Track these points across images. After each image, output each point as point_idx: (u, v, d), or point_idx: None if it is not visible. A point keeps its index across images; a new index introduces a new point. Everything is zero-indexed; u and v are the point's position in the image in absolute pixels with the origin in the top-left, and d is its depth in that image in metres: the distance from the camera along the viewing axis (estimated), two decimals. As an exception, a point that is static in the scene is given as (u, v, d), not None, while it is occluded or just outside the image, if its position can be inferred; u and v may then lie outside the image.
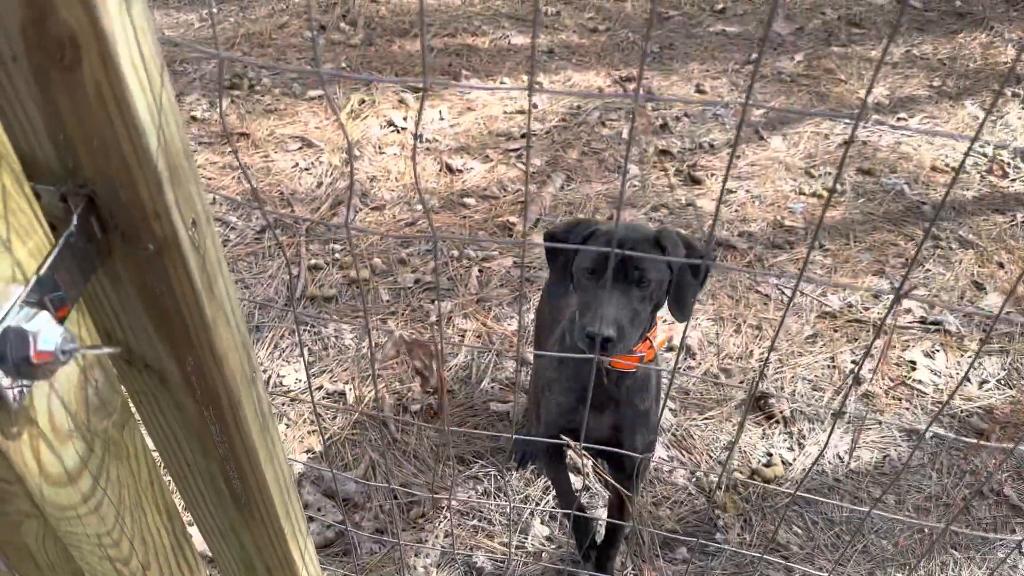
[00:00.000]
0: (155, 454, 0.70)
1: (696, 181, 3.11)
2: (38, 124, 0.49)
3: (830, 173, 3.15)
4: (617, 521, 1.70)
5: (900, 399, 2.23)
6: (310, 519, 1.88)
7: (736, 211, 2.95)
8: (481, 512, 1.92)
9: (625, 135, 3.39)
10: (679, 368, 2.27)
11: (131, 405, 0.67)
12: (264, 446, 0.76)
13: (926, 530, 1.94)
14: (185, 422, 0.72)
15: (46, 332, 0.47)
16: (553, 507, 1.94)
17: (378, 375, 2.19)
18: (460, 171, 3.11)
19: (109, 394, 0.60)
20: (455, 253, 2.64)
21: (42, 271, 0.49)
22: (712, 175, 3.16)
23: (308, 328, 2.35)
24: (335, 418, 2.09)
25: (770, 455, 2.08)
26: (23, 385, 0.47)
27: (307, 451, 2.04)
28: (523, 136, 3.39)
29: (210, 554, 0.93)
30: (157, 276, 0.58)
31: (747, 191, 3.06)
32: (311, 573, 0.99)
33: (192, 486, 0.80)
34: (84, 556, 0.59)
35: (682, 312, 1.40)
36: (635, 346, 1.41)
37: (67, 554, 0.58)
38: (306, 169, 3.09)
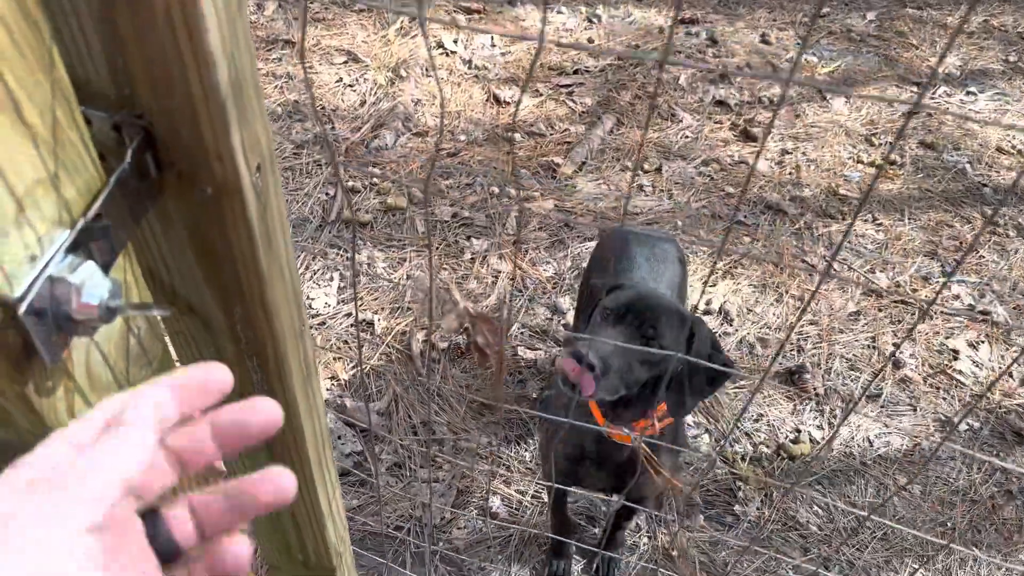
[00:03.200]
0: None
1: (751, 138, 2.99)
2: (95, 46, 0.43)
3: (891, 143, 3.02)
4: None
5: (939, 388, 2.17)
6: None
7: (790, 174, 2.84)
8: (500, 458, 1.90)
9: (683, 82, 3.25)
10: (714, 332, 2.21)
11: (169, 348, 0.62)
12: (305, 399, 0.72)
13: (948, 524, 1.90)
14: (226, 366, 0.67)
15: (92, 284, 0.42)
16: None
17: (407, 308, 2.16)
18: (508, 103, 3.00)
19: (151, 343, 0.55)
20: (495, 190, 2.57)
21: (90, 213, 0.43)
22: (769, 133, 3.03)
23: (340, 252, 2.30)
24: (362, 347, 2.06)
25: (799, 431, 2.03)
26: (63, 341, 0.42)
27: (331, 377, 2.02)
28: (576, 72, 3.26)
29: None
30: (213, 222, 0.53)
31: (804, 154, 2.94)
32: (338, 524, 0.96)
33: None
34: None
35: (678, 407, 1.33)
36: (634, 421, 1.36)
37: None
38: (350, 86, 3.00)
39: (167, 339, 0.66)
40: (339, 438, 1.89)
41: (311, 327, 2.09)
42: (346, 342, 2.08)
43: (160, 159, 0.49)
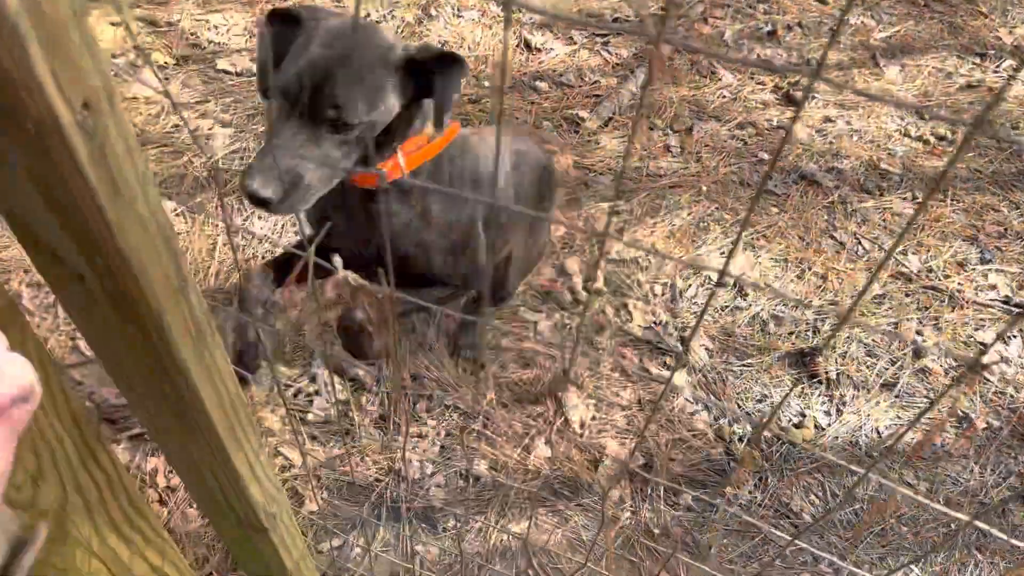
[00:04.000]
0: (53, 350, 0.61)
1: (793, 102, 2.83)
2: None
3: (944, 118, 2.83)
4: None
5: (961, 382, 2.05)
6: (315, 393, 1.84)
7: (830, 143, 2.69)
8: (486, 419, 1.85)
9: (728, 38, 3.08)
10: (726, 306, 2.12)
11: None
12: (199, 362, 0.66)
13: (952, 526, 1.81)
14: (108, 326, 0.62)
15: None
16: (559, 427, 1.86)
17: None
18: (539, 50, 2.88)
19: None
20: (515, 140, 2.47)
21: None
22: (813, 99, 2.87)
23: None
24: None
25: (804, 415, 1.94)
26: None
27: (324, 323, 1.98)
28: (615, 21, 3.11)
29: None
30: (45, 164, 0.46)
31: (847, 122, 2.77)
32: (265, 487, 0.92)
33: (132, 388, 0.72)
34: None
35: (439, 119, 1.13)
36: (381, 164, 1.20)
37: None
38: (378, 22, 2.90)
39: (54, 297, 0.61)
40: (325, 385, 1.85)
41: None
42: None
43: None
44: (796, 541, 0.69)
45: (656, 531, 1.73)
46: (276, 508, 0.99)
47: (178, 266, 0.59)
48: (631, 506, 1.76)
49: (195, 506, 1.64)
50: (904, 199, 2.52)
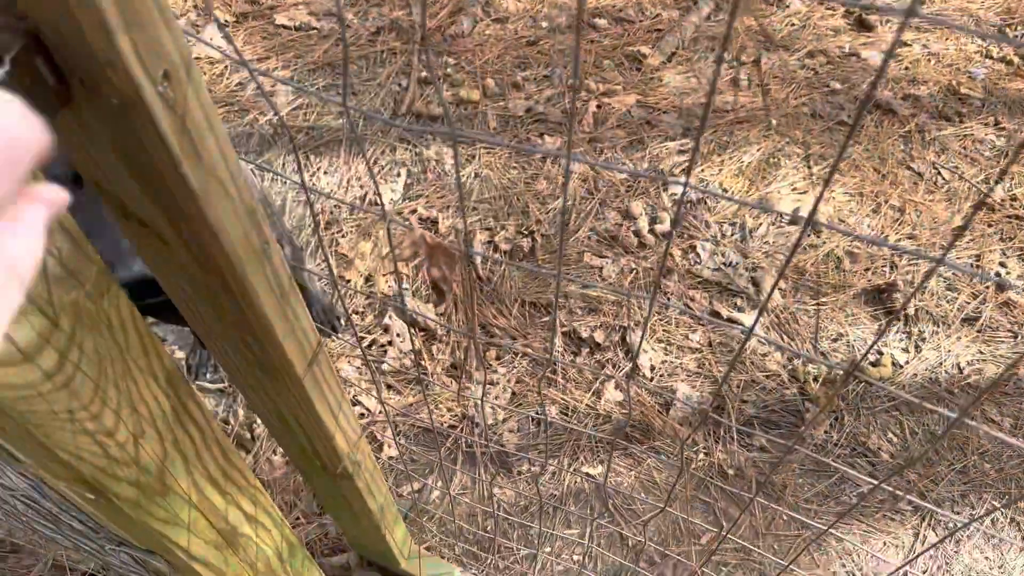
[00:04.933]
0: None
1: (867, 27, 2.69)
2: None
3: (1032, 34, 2.66)
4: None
5: (1049, 315, 1.97)
6: (388, 343, 1.88)
7: (906, 69, 2.56)
8: (556, 364, 1.86)
9: (792, -38, 2.94)
10: (800, 245, 2.06)
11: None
12: (282, 319, 0.69)
13: (1040, 463, 1.76)
14: (193, 285, 0.64)
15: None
16: (627, 373, 1.86)
17: (473, 208, 2.10)
18: (596, -13, 2.80)
19: (78, 262, 0.52)
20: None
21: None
22: (887, 22, 2.72)
23: (409, 147, 2.25)
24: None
25: (881, 354, 1.90)
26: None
27: (393, 272, 2.01)
28: (674, -48, 2.99)
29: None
30: (129, 135, 0.48)
31: (924, 46, 2.63)
32: (348, 436, 0.95)
33: (215, 343, 0.75)
34: (49, 433, 0.54)
35: None
36: None
37: (25, 431, 0.52)
38: (431, -32, 2.85)
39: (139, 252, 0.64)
40: (398, 335, 1.89)
41: (375, 220, 2.07)
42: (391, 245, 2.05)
43: (57, 65, 0.44)
44: (879, 484, 0.68)
45: (730, 472, 1.73)
46: (359, 456, 1.02)
47: (259, 228, 0.61)
48: (704, 447, 1.76)
49: (280, 453, 1.71)
50: (986, 125, 2.39)
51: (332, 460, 0.98)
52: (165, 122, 0.47)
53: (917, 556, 0.87)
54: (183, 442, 0.70)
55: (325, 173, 2.17)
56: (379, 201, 2.02)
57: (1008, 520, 1.69)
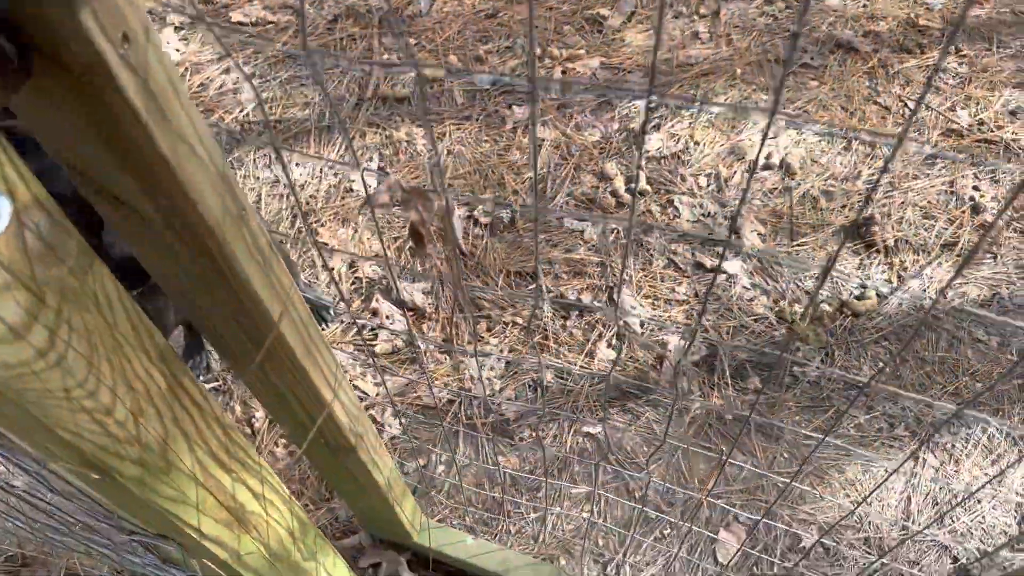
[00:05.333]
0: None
1: (820, -31, 2.70)
2: None
3: (985, -40, 2.67)
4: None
5: (1023, 232, 2.00)
6: (379, 326, 1.89)
7: (864, 6, 2.57)
8: (547, 329, 1.87)
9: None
10: (774, 188, 2.08)
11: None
12: (268, 287, 0.69)
13: (1029, 376, 1.79)
14: (179, 264, 0.64)
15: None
16: (619, 331, 1.87)
17: (449, 184, 2.10)
18: (550, -45, 2.79)
19: (58, 238, 0.52)
20: (536, 51, 2.42)
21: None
22: (840, -38, 2.73)
23: (379, 131, 2.24)
24: (404, 227, 2.04)
25: (864, 287, 1.92)
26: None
27: (375, 255, 2.01)
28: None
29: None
30: (96, 105, 0.48)
31: (880, -18, 2.64)
32: (347, 407, 0.96)
33: (205, 322, 0.75)
34: (47, 412, 0.54)
35: None
36: None
37: (24, 411, 0.53)
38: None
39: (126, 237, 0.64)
40: (388, 317, 1.89)
41: (352, 206, 2.07)
42: (388, 221, 2.05)
43: (20, 40, 0.44)
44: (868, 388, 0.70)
45: (728, 417, 1.75)
46: (361, 428, 1.03)
47: (234, 194, 0.61)
48: (700, 395, 1.78)
49: (283, 444, 1.72)
50: (948, 53, 2.41)
51: (334, 434, 0.98)
52: (129, 85, 0.47)
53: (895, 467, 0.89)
54: (182, 419, 0.71)
55: (297, 165, 2.17)
56: (363, 182, 2.02)
57: (1004, 436, 1.72)
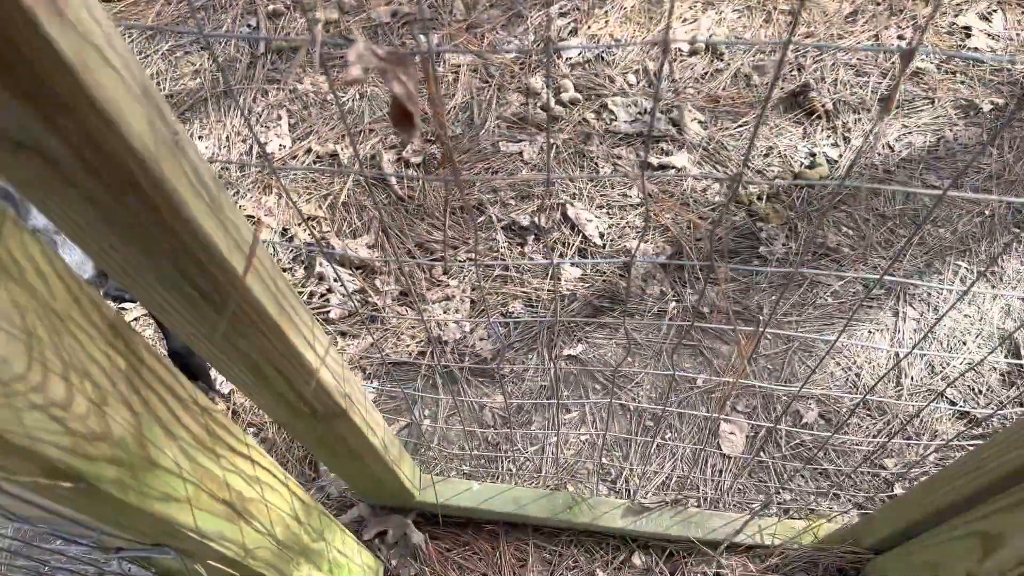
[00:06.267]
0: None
1: None
2: None
3: None
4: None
5: (954, 72, 1.99)
6: (328, 291, 1.77)
7: None
8: (506, 262, 1.79)
9: None
10: (705, 73, 2.01)
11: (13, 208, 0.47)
12: (220, 229, 0.58)
13: (987, 212, 1.79)
14: (107, 219, 0.52)
15: None
16: (581, 247, 1.80)
17: (370, 129, 1.97)
18: None
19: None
20: (433, -25, 2.28)
21: None
22: None
23: (281, 87, 2.08)
24: (331, 183, 1.90)
25: (813, 155, 1.89)
26: None
27: (310, 218, 1.88)
28: None
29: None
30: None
31: None
32: (332, 368, 0.85)
33: (152, 294, 0.63)
34: (-12, 417, 0.43)
35: None
36: None
37: (-43, 422, 0.41)
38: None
39: (33, 204, 0.52)
40: (335, 280, 1.77)
41: (267, 173, 1.92)
42: (314, 180, 1.91)
43: None
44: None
45: (705, 310, 1.70)
46: (349, 388, 0.93)
47: (162, 113, 0.49)
48: (674, 295, 1.73)
49: (254, 420, 1.60)
50: (846, -91, 2.36)
51: (321, 399, 0.88)
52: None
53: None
54: (153, 403, 0.59)
55: (200, 138, 1.99)
56: (267, 150, 1.86)
57: (975, 275, 1.73)
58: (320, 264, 1.78)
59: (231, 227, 0.59)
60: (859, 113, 1.93)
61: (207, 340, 0.72)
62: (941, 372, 1.62)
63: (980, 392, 1.60)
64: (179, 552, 0.73)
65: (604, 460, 1.55)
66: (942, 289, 1.71)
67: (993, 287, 1.71)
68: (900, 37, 2.03)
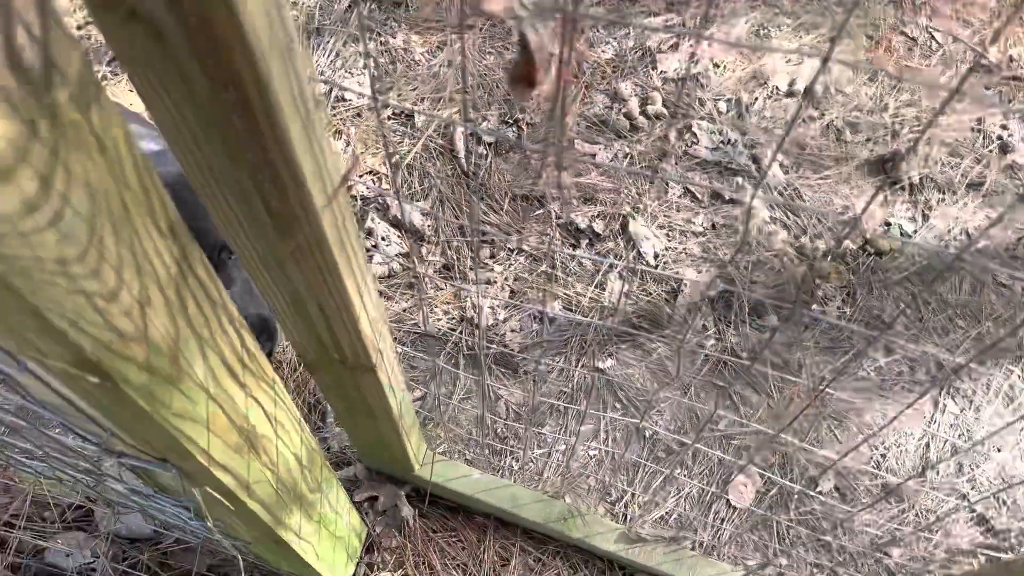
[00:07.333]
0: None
1: None
2: None
3: None
4: None
5: (1052, 175, 1.91)
6: (374, 248, 1.75)
7: (889, -68, 2.42)
8: (554, 258, 1.75)
9: None
10: (800, 119, 1.96)
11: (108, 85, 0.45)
12: (308, 151, 0.55)
13: (1053, 323, 1.72)
14: (198, 107, 0.50)
15: None
16: (631, 263, 1.76)
17: (450, 98, 1.94)
18: None
19: (58, 50, 0.37)
20: (546, -40, 2.24)
21: None
22: None
23: (373, 36, 2.06)
24: (402, 142, 1.88)
25: (888, 225, 1.83)
26: None
27: (370, 172, 1.85)
28: None
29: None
30: None
31: (906, -92, 2.50)
32: (373, 318, 0.82)
33: (219, 201, 0.61)
34: (38, 290, 0.40)
35: None
36: None
37: (7, 287, 0.39)
38: None
39: (128, 81, 0.49)
40: (383, 239, 1.75)
41: (344, 117, 1.90)
42: (383, 136, 1.89)
43: None
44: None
45: (743, 355, 1.66)
46: (384, 344, 0.90)
47: (283, 17, 0.47)
48: (715, 333, 1.68)
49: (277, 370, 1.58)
50: (976, -13, 2.29)
51: (355, 348, 0.85)
52: None
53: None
54: (195, 317, 0.57)
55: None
56: (345, 98, 1.83)
57: (1025, 382, 1.66)
58: (372, 220, 1.76)
59: (318, 152, 0.57)
60: (944, 193, 1.87)
61: (260, 261, 0.69)
62: (969, 474, 1.56)
63: (1005, 503, 1.54)
64: (180, 471, 0.71)
65: (608, 479, 1.51)
66: (988, 388, 1.64)
67: (1044, 401, 1.65)
68: (1003, 127, 1.96)
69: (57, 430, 0.86)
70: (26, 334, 0.45)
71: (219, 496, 0.75)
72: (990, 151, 1.93)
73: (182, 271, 0.54)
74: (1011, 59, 2.10)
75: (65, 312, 0.43)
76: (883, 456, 1.57)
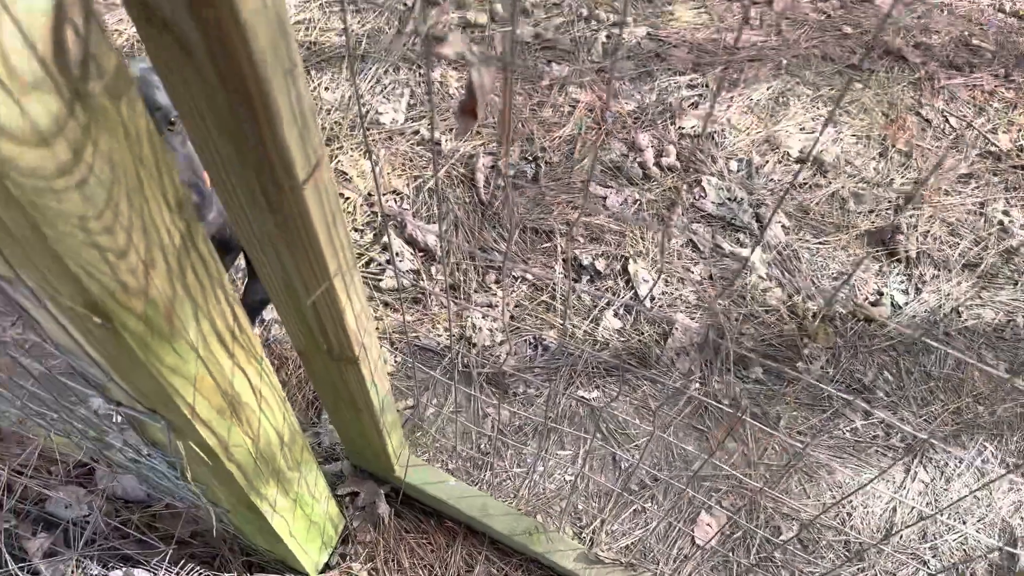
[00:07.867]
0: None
1: (880, -26, 2.64)
2: None
3: (1047, -10, 2.62)
4: None
5: (1049, 264, 1.97)
6: (387, 262, 1.85)
7: (919, 18, 2.52)
8: (554, 290, 1.84)
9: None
10: (804, 184, 2.05)
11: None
12: (302, 155, 0.66)
13: (1033, 406, 1.77)
14: (214, 108, 0.61)
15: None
16: (630, 301, 1.84)
17: (476, 132, 2.06)
18: (609, -81, 2.73)
19: (98, 48, 0.48)
20: (583, 11, 2.37)
21: None
22: (901, -30, 2.68)
23: (413, 68, 2.19)
24: (426, 167, 2.00)
25: (881, 294, 1.89)
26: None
27: (393, 191, 1.97)
28: None
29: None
30: None
31: (938, -5, 2.59)
32: (357, 313, 0.92)
33: (227, 185, 0.71)
34: (60, 238, 0.51)
35: None
36: None
37: (35, 230, 0.49)
38: None
39: (162, 75, 0.60)
40: (397, 255, 1.86)
41: (376, 139, 2.03)
42: (410, 159, 2.01)
43: None
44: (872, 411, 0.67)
45: (725, 402, 1.72)
46: (368, 340, 1.00)
47: (288, 43, 0.57)
48: (700, 377, 1.75)
49: (282, 368, 1.69)
50: (996, 76, 2.37)
51: (339, 340, 0.95)
52: None
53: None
54: (191, 284, 0.67)
55: (326, 89, 2.12)
56: (379, 121, 1.96)
57: (999, 461, 1.70)
58: (388, 236, 1.87)
59: (310, 153, 0.67)
60: (939, 270, 1.93)
61: (256, 242, 0.79)
62: (932, 541, 1.60)
63: (963, 575, 1.58)
64: (168, 424, 0.81)
65: (580, 505, 1.58)
66: (960, 462, 1.69)
67: (1012, 481, 1.69)
68: (1005, 212, 2.03)
69: (72, 397, 0.97)
70: (47, 274, 0.56)
71: (201, 452, 0.85)
72: (989, 234, 1.99)
73: (185, 244, 0.65)
74: (1021, 149, 2.17)
75: (80, 260, 0.54)
76: (848, 515, 1.62)
